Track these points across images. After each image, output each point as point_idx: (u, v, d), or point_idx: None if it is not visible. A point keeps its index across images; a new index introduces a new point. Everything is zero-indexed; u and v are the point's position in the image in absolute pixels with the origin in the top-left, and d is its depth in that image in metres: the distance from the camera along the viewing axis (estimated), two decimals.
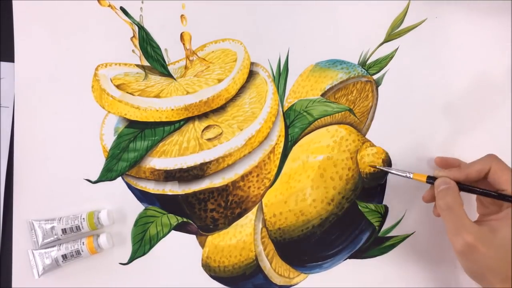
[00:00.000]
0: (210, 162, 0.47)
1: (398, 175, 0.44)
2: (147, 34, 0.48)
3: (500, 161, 0.40)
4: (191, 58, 0.48)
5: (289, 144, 0.48)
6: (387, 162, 0.48)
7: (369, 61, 0.49)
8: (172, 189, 0.47)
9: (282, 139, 0.48)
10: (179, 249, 0.47)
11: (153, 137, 0.47)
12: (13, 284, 0.46)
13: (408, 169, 0.46)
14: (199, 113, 0.47)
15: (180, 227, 0.47)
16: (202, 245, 0.48)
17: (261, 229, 0.48)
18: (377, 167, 0.46)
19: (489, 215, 0.41)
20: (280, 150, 0.48)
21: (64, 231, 0.45)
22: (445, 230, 0.49)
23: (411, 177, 0.43)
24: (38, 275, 0.45)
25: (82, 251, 0.45)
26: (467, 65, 0.49)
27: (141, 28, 0.48)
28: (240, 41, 0.48)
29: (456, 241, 0.37)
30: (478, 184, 0.41)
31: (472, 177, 0.40)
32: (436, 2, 0.49)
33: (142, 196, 0.47)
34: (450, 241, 0.38)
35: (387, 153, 0.48)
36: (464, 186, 0.41)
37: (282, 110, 0.48)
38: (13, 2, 0.47)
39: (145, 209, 0.47)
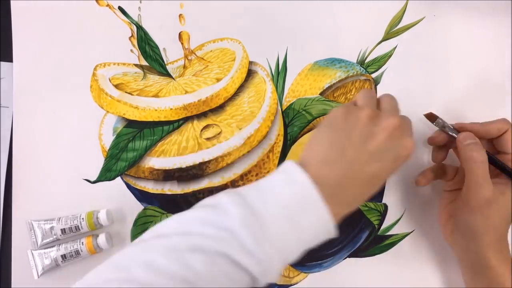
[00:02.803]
0: (209, 162, 0.47)
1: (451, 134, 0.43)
2: (146, 33, 0.48)
3: None
4: (189, 58, 0.48)
5: (288, 143, 0.48)
6: None
7: (367, 60, 0.49)
8: (171, 188, 0.47)
9: (281, 138, 0.48)
10: None
11: (152, 137, 0.47)
12: (13, 284, 0.46)
13: (408, 167, 0.46)
14: (198, 113, 0.47)
15: None
16: None
17: None
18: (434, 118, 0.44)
19: (496, 177, 0.42)
20: (279, 149, 0.48)
21: (63, 231, 0.45)
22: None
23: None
24: (38, 275, 0.45)
25: (82, 251, 0.45)
26: (466, 64, 0.49)
27: (139, 27, 0.48)
28: (239, 40, 0.48)
29: (480, 194, 0.39)
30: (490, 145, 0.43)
31: (492, 133, 0.42)
32: (434, 1, 0.49)
33: (141, 196, 0.47)
34: (467, 195, 0.40)
35: None
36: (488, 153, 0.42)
37: (281, 109, 0.48)
38: (12, 2, 0.47)
39: (144, 209, 0.47)
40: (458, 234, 0.43)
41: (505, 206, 0.40)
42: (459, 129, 0.43)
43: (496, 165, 0.41)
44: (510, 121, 0.43)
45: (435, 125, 0.44)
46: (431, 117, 0.44)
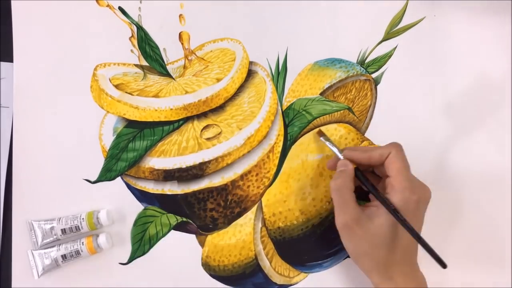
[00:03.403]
0: (209, 162, 0.47)
1: (333, 150, 0.44)
2: (146, 34, 0.48)
3: (401, 151, 0.40)
4: (189, 58, 0.48)
5: (288, 143, 0.48)
6: None
7: (367, 60, 0.49)
8: (171, 188, 0.47)
9: (281, 138, 0.48)
10: (179, 249, 0.47)
11: (152, 137, 0.47)
12: (13, 284, 0.46)
13: (410, 166, 0.46)
14: (198, 113, 0.47)
15: (179, 227, 0.47)
16: (202, 244, 0.48)
17: (261, 228, 0.48)
18: (321, 139, 0.46)
19: (374, 201, 0.42)
20: (279, 149, 0.48)
21: (63, 231, 0.45)
22: (445, 228, 0.49)
23: (341, 158, 0.43)
24: (38, 275, 0.45)
25: (82, 251, 0.45)
26: (466, 64, 0.50)
27: (139, 28, 0.48)
28: (239, 40, 0.48)
29: (337, 220, 0.40)
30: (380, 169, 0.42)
31: (374, 159, 0.41)
32: (434, 1, 0.49)
33: (141, 196, 0.47)
34: (335, 222, 0.40)
35: None
36: (359, 176, 0.41)
37: (281, 109, 0.48)
38: (12, 2, 0.47)
39: (144, 209, 0.47)
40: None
41: (377, 229, 0.38)
42: (346, 154, 0.42)
43: (373, 193, 0.40)
44: None
45: (322, 140, 0.46)
46: (320, 133, 0.47)
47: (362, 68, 0.49)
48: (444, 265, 0.36)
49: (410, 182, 0.39)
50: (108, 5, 0.48)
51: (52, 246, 0.45)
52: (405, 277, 0.39)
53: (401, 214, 0.37)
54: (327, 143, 0.45)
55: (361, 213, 0.39)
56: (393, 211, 0.38)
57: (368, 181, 0.41)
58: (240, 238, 0.48)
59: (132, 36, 0.48)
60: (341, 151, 0.43)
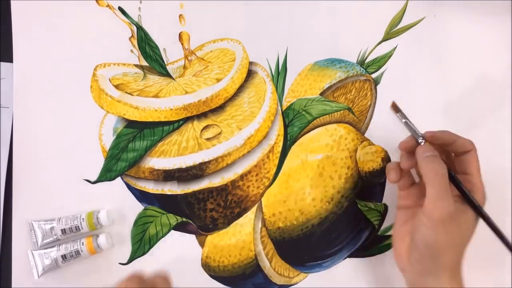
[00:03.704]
0: (209, 162, 0.47)
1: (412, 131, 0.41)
2: (146, 34, 0.48)
3: (476, 151, 0.40)
4: (189, 58, 0.48)
5: (288, 143, 0.48)
6: (387, 160, 0.48)
7: (367, 60, 0.49)
8: (171, 189, 0.47)
9: (281, 138, 0.48)
10: (179, 249, 0.47)
11: (152, 137, 0.47)
12: (13, 284, 0.46)
13: None
14: (198, 113, 0.47)
15: (179, 227, 0.47)
16: (202, 244, 0.48)
17: (261, 228, 0.48)
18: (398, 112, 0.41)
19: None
20: (279, 149, 0.48)
21: (63, 231, 0.45)
22: None
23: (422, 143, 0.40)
24: (38, 275, 0.45)
25: (82, 251, 0.45)
26: (466, 64, 0.50)
27: (139, 28, 0.48)
28: (239, 41, 0.48)
29: (439, 209, 0.37)
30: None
31: (457, 147, 0.40)
32: (434, 1, 0.49)
33: (141, 196, 0.47)
34: (429, 207, 0.37)
35: (386, 152, 0.48)
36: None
37: (281, 109, 0.48)
38: (12, 2, 0.47)
39: (144, 209, 0.47)
40: (414, 255, 0.39)
41: (466, 225, 0.38)
42: (428, 137, 0.40)
43: (454, 182, 0.39)
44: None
45: (397, 116, 0.41)
46: (395, 108, 0.42)
47: (362, 68, 0.49)
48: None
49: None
50: (108, 5, 0.48)
51: (52, 246, 0.45)
52: (461, 281, 0.39)
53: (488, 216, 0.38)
54: (403, 121, 0.41)
55: (457, 204, 0.38)
56: (479, 207, 0.38)
57: (456, 177, 0.39)
58: (240, 238, 0.48)
59: (132, 36, 0.48)
60: (421, 134, 0.40)
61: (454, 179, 0.39)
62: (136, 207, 0.47)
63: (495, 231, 0.38)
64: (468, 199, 0.38)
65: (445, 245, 0.38)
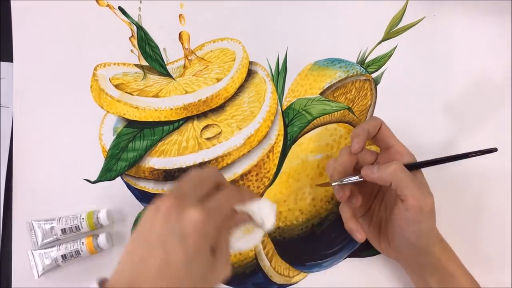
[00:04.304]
0: (209, 162, 0.47)
1: (352, 181, 0.41)
2: (146, 33, 0.48)
3: (382, 121, 0.41)
4: (189, 58, 0.48)
5: (288, 143, 0.48)
6: None
7: (367, 60, 0.49)
8: None
9: (281, 138, 0.48)
10: None
11: (152, 137, 0.47)
12: (13, 284, 0.46)
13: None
14: (198, 113, 0.47)
15: None
16: None
17: None
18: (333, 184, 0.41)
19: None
20: (279, 149, 0.48)
21: (63, 231, 0.45)
22: (443, 228, 0.49)
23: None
24: (38, 275, 0.45)
25: (82, 251, 0.45)
26: (466, 64, 0.50)
27: (139, 27, 0.48)
28: (239, 40, 0.48)
29: (428, 200, 0.38)
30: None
31: (371, 131, 0.41)
32: (434, 1, 0.49)
33: (141, 195, 0.47)
34: (415, 204, 0.37)
35: None
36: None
37: (281, 109, 0.48)
38: (12, 2, 0.47)
39: (144, 209, 0.47)
40: (405, 249, 0.41)
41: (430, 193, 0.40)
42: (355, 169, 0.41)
43: (414, 167, 0.40)
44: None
45: (334, 186, 0.41)
46: (326, 185, 0.43)
47: (362, 68, 0.49)
48: (494, 149, 0.40)
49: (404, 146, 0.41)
50: (108, 5, 0.48)
51: (52, 246, 0.45)
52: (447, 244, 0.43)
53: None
54: (344, 180, 0.41)
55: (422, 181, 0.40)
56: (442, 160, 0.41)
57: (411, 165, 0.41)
58: None
59: (132, 36, 0.48)
60: (360, 175, 0.40)
61: (413, 166, 0.40)
62: (136, 207, 0.47)
63: (459, 157, 0.40)
64: (433, 163, 0.40)
65: (432, 226, 0.40)
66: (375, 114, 0.49)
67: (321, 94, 0.49)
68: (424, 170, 0.46)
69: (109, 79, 0.48)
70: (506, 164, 0.49)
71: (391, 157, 0.41)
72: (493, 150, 0.39)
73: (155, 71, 0.48)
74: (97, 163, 0.47)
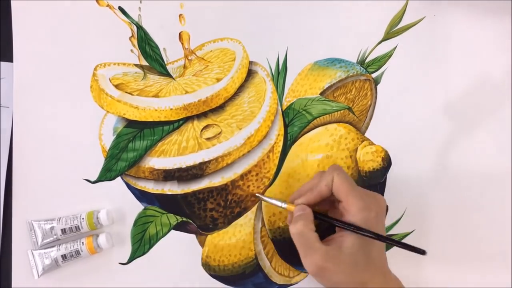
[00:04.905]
0: (209, 162, 0.47)
1: (275, 204, 0.43)
2: (146, 33, 0.48)
3: (341, 172, 0.40)
4: (189, 58, 0.48)
5: (288, 143, 0.48)
6: (387, 160, 0.48)
7: (367, 60, 0.49)
8: (171, 188, 0.47)
9: (281, 138, 0.48)
10: (179, 249, 0.47)
11: (152, 137, 0.47)
12: (13, 284, 0.46)
13: (408, 167, 0.46)
14: (198, 113, 0.47)
15: (179, 227, 0.47)
16: (202, 244, 0.48)
17: (261, 228, 0.48)
18: (257, 195, 0.46)
19: (337, 232, 0.41)
20: (279, 149, 0.48)
21: (63, 231, 0.45)
22: (443, 228, 0.49)
23: (285, 207, 0.42)
24: (38, 275, 0.45)
25: (82, 251, 0.45)
26: (466, 64, 0.50)
27: (139, 27, 0.48)
28: (239, 40, 0.48)
29: (308, 265, 0.38)
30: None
31: (324, 193, 0.40)
32: (434, 1, 0.49)
33: (141, 195, 0.47)
34: (304, 266, 0.38)
35: (386, 152, 0.48)
36: (317, 215, 0.40)
37: (281, 109, 0.48)
38: (12, 2, 0.47)
39: (144, 209, 0.47)
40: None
41: (346, 260, 0.37)
42: (299, 202, 0.41)
43: (339, 225, 0.39)
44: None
45: (263, 199, 0.45)
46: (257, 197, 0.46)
47: (362, 68, 0.49)
48: (423, 252, 0.37)
49: (363, 200, 0.38)
50: (108, 5, 0.48)
51: (52, 246, 0.45)
52: (381, 285, 0.38)
53: (365, 228, 0.37)
54: (268, 200, 0.44)
55: (328, 249, 0.37)
56: (357, 229, 0.37)
57: (327, 216, 0.40)
58: (240, 238, 0.48)
59: (132, 36, 0.48)
60: (284, 202, 0.42)
61: (329, 219, 0.40)
62: (136, 207, 0.47)
63: (382, 238, 0.38)
64: (344, 226, 0.38)
65: (333, 286, 0.38)
66: (375, 114, 0.49)
67: (321, 94, 0.49)
68: (424, 170, 0.46)
69: (109, 79, 0.48)
70: (506, 164, 0.49)
71: (339, 212, 0.41)
72: (422, 252, 0.37)
73: (155, 71, 0.48)
74: (97, 163, 0.47)
